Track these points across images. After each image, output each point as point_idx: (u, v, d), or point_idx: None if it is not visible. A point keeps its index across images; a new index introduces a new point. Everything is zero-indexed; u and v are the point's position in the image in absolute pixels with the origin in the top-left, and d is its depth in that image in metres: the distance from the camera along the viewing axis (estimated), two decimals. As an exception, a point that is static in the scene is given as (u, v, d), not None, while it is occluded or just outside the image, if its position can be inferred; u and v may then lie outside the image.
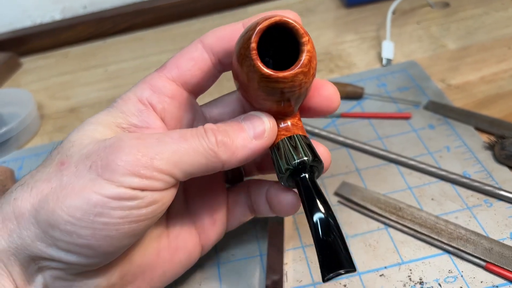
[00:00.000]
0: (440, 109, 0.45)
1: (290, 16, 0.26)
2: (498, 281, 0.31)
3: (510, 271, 0.31)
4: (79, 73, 0.63)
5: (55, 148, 0.27)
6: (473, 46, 0.53)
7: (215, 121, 0.30)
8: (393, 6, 0.56)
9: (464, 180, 0.37)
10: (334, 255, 0.24)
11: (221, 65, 0.29)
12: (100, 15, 0.70)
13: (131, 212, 0.24)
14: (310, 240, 0.36)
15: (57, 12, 0.69)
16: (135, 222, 0.24)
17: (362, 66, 0.53)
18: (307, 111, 0.29)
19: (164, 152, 0.24)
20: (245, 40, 0.24)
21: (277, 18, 0.24)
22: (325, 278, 0.24)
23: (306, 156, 0.26)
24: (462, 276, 0.32)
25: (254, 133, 0.26)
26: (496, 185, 0.37)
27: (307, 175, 0.27)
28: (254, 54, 0.24)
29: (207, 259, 0.35)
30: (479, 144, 0.41)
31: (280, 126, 0.28)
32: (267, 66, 0.25)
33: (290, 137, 0.27)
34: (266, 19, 0.24)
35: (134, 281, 0.29)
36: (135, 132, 0.27)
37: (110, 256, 0.25)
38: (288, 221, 0.37)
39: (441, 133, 0.42)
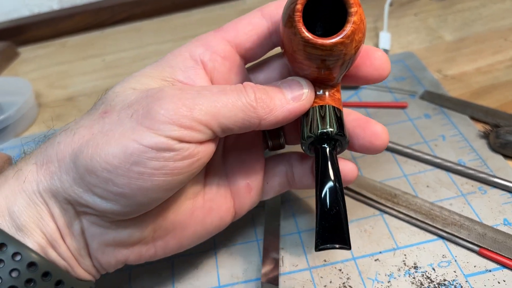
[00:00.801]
0: (436, 99, 0.45)
1: None
2: (491, 265, 0.32)
3: (503, 255, 0.32)
4: (77, 62, 0.63)
5: (100, 98, 0.27)
6: (470, 38, 0.53)
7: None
8: (390, -3, 0.56)
9: (459, 167, 0.38)
10: (333, 228, 0.25)
11: (277, 35, 0.29)
12: (99, 5, 0.69)
13: (166, 163, 0.24)
14: (306, 226, 0.36)
15: (55, 1, 0.69)
16: (170, 175, 0.24)
17: (359, 56, 0.53)
18: (355, 79, 0.29)
19: (203, 103, 0.24)
20: (292, 1, 0.24)
21: None
22: (318, 248, 0.25)
23: (331, 127, 0.26)
24: (455, 260, 0.32)
25: (292, 95, 0.26)
26: (491, 173, 0.37)
27: (327, 147, 0.27)
28: (298, 15, 0.24)
29: (204, 243, 0.35)
30: (474, 133, 0.41)
31: (316, 93, 0.27)
32: (316, 32, 0.24)
33: (321, 106, 0.27)
34: None
35: (165, 236, 0.29)
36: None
37: (144, 207, 0.26)
38: (284, 207, 0.38)
39: (437, 122, 0.43)
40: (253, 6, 0.66)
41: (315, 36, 0.24)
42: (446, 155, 0.40)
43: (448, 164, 0.38)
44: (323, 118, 0.27)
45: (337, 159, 0.27)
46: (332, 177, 0.26)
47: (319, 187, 0.26)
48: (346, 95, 0.48)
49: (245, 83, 0.27)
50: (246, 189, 0.32)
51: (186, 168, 0.25)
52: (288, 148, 0.34)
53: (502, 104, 0.44)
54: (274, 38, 0.29)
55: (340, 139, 0.27)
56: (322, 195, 0.26)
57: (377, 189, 0.37)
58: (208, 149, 0.26)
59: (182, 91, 0.25)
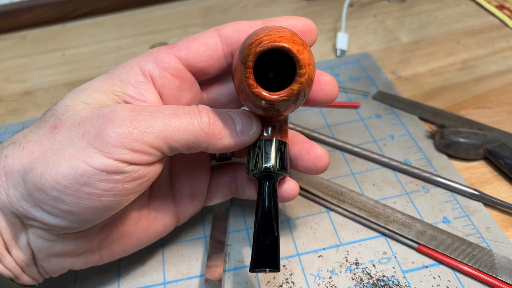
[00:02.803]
0: (388, 99, 0.46)
1: (306, 24, 0.28)
2: (428, 261, 0.33)
3: (439, 252, 0.33)
4: (36, 56, 0.62)
5: (49, 109, 0.27)
6: (425, 40, 0.55)
7: (212, 101, 0.31)
8: (349, -2, 0.57)
9: (405, 167, 0.39)
10: (266, 255, 0.27)
11: (231, 57, 0.29)
12: (61, -2, 0.68)
13: (116, 185, 0.24)
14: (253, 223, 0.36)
15: (15, -7, 0.68)
16: (119, 196, 0.25)
17: (317, 56, 0.54)
18: (304, 103, 0.30)
19: (155, 126, 0.25)
20: (245, 55, 0.24)
21: (279, 45, 0.24)
22: (252, 270, 0.27)
23: (274, 163, 0.28)
24: (395, 257, 0.33)
25: (241, 128, 0.28)
26: (434, 172, 0.39)
27: (267, 182, 0.29)
28: (249, 72, 0.24)
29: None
30: (422, 133, 0.42)
31: (264, 126, 0.29)
32: (268, 63, 0.26)
33: (268, 140, 0.29)
34: (270, 42, 0.24)
35: (110, 245, 0.30)
36: (130, 104, 0.27)
37: (90, 223, 0.26)
38: (234, 204, 0.38)
39: (387, 122, 0.44)
40: (218, 3, 0.66)
41: (263, 90, 0.25)
42: (393, 154, 0.41)
43: (395, 163, 0.39)
44: (267, 153, 0.28)
45: (275, 189, 0.29)
46: (271, 209, 0.28)
47: (258, 216, 0.28)
48: (301, 94, 0.48)
49: (200, 106, 0.27)
50: (190, 198, 0.33)
51: (135, 188, 0.26)
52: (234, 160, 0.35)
53: (450, 105, 0.45)
54: (229, 59, 0.29)
55: (281, 173, 0.29)
56: (259, 225, 0.28)
57: (324, 186, 0.38)
58: (157, 169, 0.27)
59: (134, 112, 0.25)
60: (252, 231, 0.36)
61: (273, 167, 0.28)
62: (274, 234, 0.27)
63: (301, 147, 0.30)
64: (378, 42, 0.55)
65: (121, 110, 0.25)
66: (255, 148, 0.29)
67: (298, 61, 0.24)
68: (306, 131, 0.43)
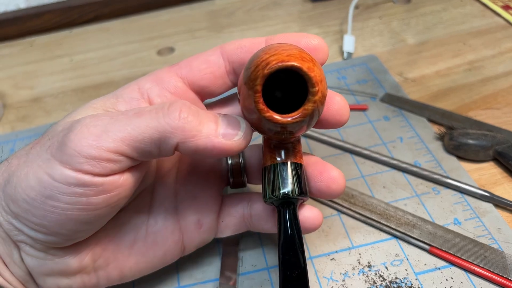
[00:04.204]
0: (396, 101, 0.46)
1: (315, 42, 0.26)
2: (440, 263, 0.33)
3: (451, 254, 0.33)
4: (44, 62, 0.62)
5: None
6: (431, 41, 0.55)
7: None
8: (355, 0, 0.57)
9: (414, 169, 0.39)
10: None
11: (235, 75, 0.28)
12: (67, 4, 0.69)
13: (79, 199, 0.23)
14: (266, 227, 0.37)
15: (22, 0, 0.68)
16: (84, 210, 0.23)
17: (324, 59, 0.54)
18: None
19: (112, 129, 0.23)
20: (252, 78, 0.23)
21: (289, 64, 0.22)
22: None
23: (292, 189, 0.26)
24: (407, 259, 0.34)
25: (224, 131, 0.24)
26: (444, 174, 0.39)
27: (287, 209, 0.27)
28: (258, 96, 0.23)
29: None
30: (431, 135, 0.43)
31: (277, 149, 0.27)
32: (276, 82, 0.24)
33: (283, 163, 0.27)
34: (278, 62, 0.22)
35: (106, 266, 0.28)
36: None
37: (67, 237, 0.25)
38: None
39: (396, 124, 0.44)
40: (222, 7, 0.67)
41: (275, 113, 0.23)
42: (403, 156, 0.41)
43: (404, 165, 0.40)
44: (284, 178, 0.26)
45: (297, 217, 0.27)
46: (294, 237, 0.26)
47: (281, 247, 0.26)
48: (309, 97, 0.48)
49: (176, 100, 0.25)
50: (196, 225, 0.30)
51: (102, 203, 0.24)
52: (250, 187, 0.34)
53: (458, 106, 0.45)
54: (232, 77, 0.28)
55: (301, 198, 0.27)
56: (284, 257, 0.26)
57: (335, 190, 0.38)
58: (129, 180, 0.24)
59: (95, 118, 0.24)
60: (264, 236, 0.36)
61: (292, 192, 0.26)
62: (300, 265, 0.25)
63: (314, 168, 0.28)
64: (384, 44, 0.56)
65: (86, 118, 0.24)
66: (270, 173, 0.27)
67: (310, 79, 0.22)
68: (315, 134, 0.43)
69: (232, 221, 0.32)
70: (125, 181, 0.24)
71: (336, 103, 0.27)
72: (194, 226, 0.30)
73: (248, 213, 0.31)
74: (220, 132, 0.24)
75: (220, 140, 0.24)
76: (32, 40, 0.67)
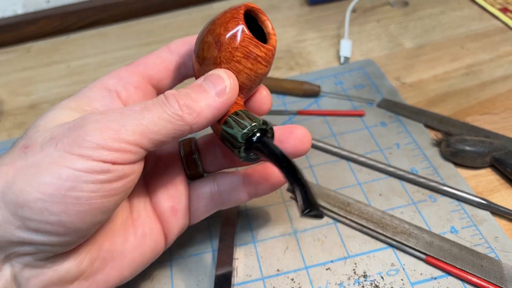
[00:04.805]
0: (393, 106, 0.46)
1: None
2: (437, 273, 0.33)
3: (448, 263, 0.33)
4: (41, 68, 0.62)
5: (21, 136, 0.27)
6: (429, 45, 0.55)
7: None
8: (352, 5, 0.57)
9: (411, 176, 0.39)
10: (310, 194, 0.25)
11: (185, 67, 0.31)
12: (64, 9, 0.69)
13: (103, 186, 0.24)
14: (262, 236, 0.37)
15: (19, 5, 0.68)
16: (106, 197, 0.25)
17: (321, 64, 0.54)
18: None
19: (129, 124, 0.25)
20: (227, 18, 0.27)
21: (252, 5, 0.28)
22: (305, 212, 0.25)
23: (256, 121, 0.27)
24: (403, 268, 0.33)
25: (216, 91, 0.27)
26: (441, 181, 0.39)
27: (263, 137, 0.27)
28: (242, 21, 0.27)
29: (160, 255, 0.35)
30: (428, 141, 0.42)
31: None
32: None
33: (235, 112, 0.28)
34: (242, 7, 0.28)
35: (103, 268, 0.29)
36: None
37: (81, 234, 0.25)
38: (241, 216, 0.38)
39: (392, 130, 0.44)
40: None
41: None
42: (399, 163, 0.41)
43: (401, 172, 0.39)
44: (243, 118, 0.27)
45: (273, 142, 0.28)
46: (287, 157, 0.26)
47: (283, 167, 0.26)
48: (306, 103, 0.48)
49: (166, 92, 0.27)
50: (172, 211, 0.32)
51: (122, 188, 0.25)
52: None
53: (456, 111, 0.45)
54: (183, 70, 0.32)
55: (266, 128, 0.28)
56: (290, 170, 0.26)
57: (331, 197, 0.38)
58: (141, 166, 0.27)
59: (104, 114, 0.25)
60: (259, 245, 0.36)
61: (257, 124, 0.27)
62: (302, 173, 0.26)
63: (281, 132, 0.31)
64: (382, 48, 0.55)
65: (91, 116, 0.25)
66: (229, 123, 0.27)
67: (266, 20, 0.29)
68: (313, 142, 0.43)
69: (201, 203, 0.33)
70: (138, 167, 0.26)
71: (260, 92, 0.31)
72: (170, 212, 0.32)
73: (216, 191, 0.33)
74: (213, 94, 0.27)
75: (219, 101, 0.27)
76: (29, 46, 0.67)
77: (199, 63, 0.29)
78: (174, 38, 0.63)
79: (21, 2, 0.68)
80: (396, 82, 0.50)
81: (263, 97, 0.31)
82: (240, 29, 0.27)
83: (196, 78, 0.29)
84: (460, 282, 0.32)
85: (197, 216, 0.33)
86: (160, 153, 0.33)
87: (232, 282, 0.33)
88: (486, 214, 0.36)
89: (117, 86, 0.29)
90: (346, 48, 0.53)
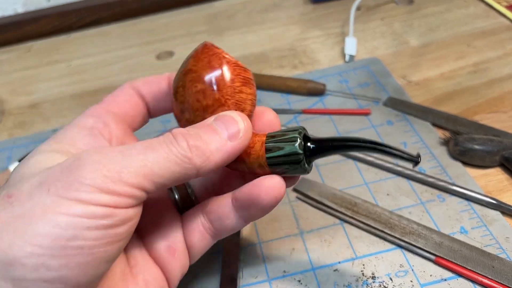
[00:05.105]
0: (399, 105, 0.45)
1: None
2: (447, 274, 0.32)
3: (458, 264, 0.32)
4: (42, 67, 0.61)
5: (1, 186, 0.24)
6: (434, 43, 0.54)
7: None
8: (356, 2, 0.56)
9: (419, 175, 0.38)
10: (401, 150, 0.25)
11: (151, 107, 0.30)
12: (65, 8, 0.68)
13: (107, 231, 0.22)
14: (267, 237, 0.36)
15: (19, 4, 0.67)
16: (110, 244, 0.22)
17: (325, 62, 0.54)
18: None
19: (131, 165, 0.22)
20: (203, 58, 0.26)
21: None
22: (419, 160, 0.24)
23: (295, 129, 0.25)
24: (412, 270, 0.33)
25: (228, 134, 0.25)
26: (449, 180, 0.38)
27: (312, 138, 0.26)
28: (222, 54, 0.26)
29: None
30: (435, 140, 0.42)
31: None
32: None
33: (267, 137, 0.26)
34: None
35: None
36: None
37: None
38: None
39: (399, 129, 0.43)
40: (222, 10, 0.66)
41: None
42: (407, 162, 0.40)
43: (409, 172, 0.39)
44: (280, 135, 0.25)
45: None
46: (355, 137, 0.26)
47: (364, 144, 0.25)
48: (310, 102, 0.48)
49: (174, 130, 0.24)
50: (169, 252, 0.28)
51: (125, 233, 0.23)
52: None
53: (463, 110, 0.44)
54: (150, 109, 0.30)
55: (303, 130, 0.26)
56: (374, 142, 0.25)
57: (337, 197, 0.37)
58: (141, 209, 0.24)
59: (103, 154, 0.23)
60: (265, 246, 0.35)
61: (300, 130, 0.25)
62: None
63: (254, 118, 0.29)
64: (387, 46, 0.55)
65: (87, 155, 0.22)
66: (272, 149, 0.25)
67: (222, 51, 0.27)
68: (317, 140, 0.42)
69: (196, 237, 0.29)
70: (139, 210, 0.24)
71: (267, 115, 0.29)
72: (167, 253, 0.28)
73: (206, 220, 0.29)
74: (224, 137, 0.25)
75: (231, 145, 0.25)
76: (30, 45, 0.66)
77: (199, 116, 0.26)
78: (176, 37, 0.63)
79: (21, 1, 0.67)
80: (402, 80, 0.49)
81: (272, 120, 0.29)
82: (226, 61, 0.26)
83: (184, 104, 0.27)
84: (471, 283, 0.31)
85: (194, 253, 0.29)
86: None
87: (238, 284, 0.33)
88: (496, 214, 0.35)
89: (97, 124, 0.27)
90: (351, 46, 0.53)
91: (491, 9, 0.58)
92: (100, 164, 0.22)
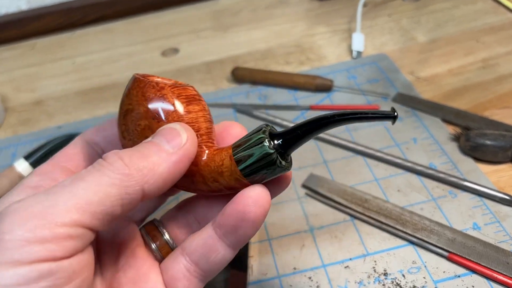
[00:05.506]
0: (408, 101, 0.45)
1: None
2: (460, 270, 0.32)
3: (472, 260, 0.31)
4: (46, 65, 0.61)
5: None
6: (442, 39, 0.53)
7: None
8: (363, -2, 0.56)
9: (430, 171, 0.38)
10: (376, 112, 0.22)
11: (103, 152, 0.27)
12: (69, 6, 0.68)
13: None
14: (277, 233, 0.35)
15: (23, 1, 0.67)
16: None
17: (332, 58, 0.53)
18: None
19: (59, 201, 0.19)
20: (137, 94, 0.24)
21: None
22: (395, 114, 0.21)
23: (257, 130, 0.23)
24: (425, 266, 0.32)
25: (170, 144, 0.22)
26: (461, 176, 0.37)
27: (279, 132, 0.23)
28: (154, 82, 0.24)
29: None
30: (445, 136, 0.41)
31: (213, 147, 0.25)
32: None
33: (232, 148, 0.23)
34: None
35: None
36: None
37: None
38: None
39: (409, 125, 0.43)
40: (227, 7, 0.65)
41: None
42: (417, 158, 0.39)
43: (419, 168, 0.38)
44: (245, 141, 0.23)
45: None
46: (324, 115, 0.22)
47: (333, 118, 0.22)
48: (318, 98, 0.47)
49: (105, 154, 0.21)
50: None
51: None
52: None
53: (473, 106, 0.44)
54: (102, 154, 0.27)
55: (266, 127, 0.23)
56: (344, 113, 0.22)
57: (347, 194, 0.37)
58: (91, 257, 0.21)
59: (24, 201, 0.19)
60: (274, 243, 0.35)
61: (264, 127, 0.23)
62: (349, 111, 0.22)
63: (218, 132, 0.26)
64: (395, 42, 0.54)
65: (5, 209, 0.19)
66: (242, 157, 0.23)
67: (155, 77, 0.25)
68: (325, 136, 0.42)
69: (180, 284, 0.25)
70: (89, 258, 0.20)
71: (234, 128, 0.26)
72: None
73: (189, 262, 0.25)
74: (166, 148, 0.22)
75: (177, 154, 0.22)
76: (34, 43, 0.66)
77: None
78: (181, 33, 0.62)
79: (25, -2, 0.67)
80: (411, 76, 0.48)
81: (240, 133, 0.26)
82: (160, 87, 0.24)
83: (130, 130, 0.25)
84: (485, 280, 0.31)
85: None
86: (116, 243, 0.27)
87: (247, 281, 0.32)
88: (509, 210, 0.35)
89: (42, 182, 0.24)
90: (358, 42, 0.52)
91: (499, 5, 0.57)
92: (20, 212, 0.19)
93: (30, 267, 0.18)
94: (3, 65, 0.62)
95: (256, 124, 0.45)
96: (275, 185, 0.24)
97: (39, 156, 0.43)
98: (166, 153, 0.21)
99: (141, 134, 0.24)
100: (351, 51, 0.53)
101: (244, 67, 0.51)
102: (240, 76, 0.50)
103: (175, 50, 0.59)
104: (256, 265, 0.34)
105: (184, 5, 0.68)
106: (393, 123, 0.22)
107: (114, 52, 0.61)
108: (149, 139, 0.23)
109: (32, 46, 0.65)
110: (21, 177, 0.42)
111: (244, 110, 0.46)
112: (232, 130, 0.26)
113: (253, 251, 0.34)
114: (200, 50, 0.58)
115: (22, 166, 0.42)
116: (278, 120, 0.44)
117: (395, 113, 0.21)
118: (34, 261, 0.18)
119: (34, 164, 0.42)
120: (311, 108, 0.46)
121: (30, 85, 0.58)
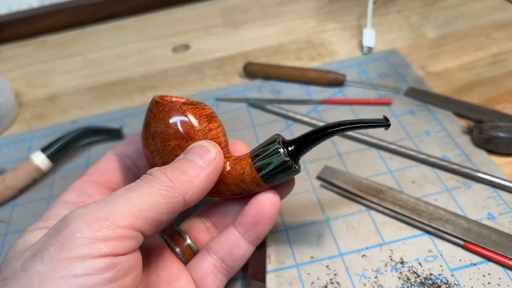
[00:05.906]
0: (420, 95, 0.45)
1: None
2: (476, 259, 0.32)
3: (487, 249, 0.32)
4: (58, 61, 0.62)
5: None
6: (452, 35, 0.54)
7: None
8: (374, -5, 0.56)
9: (444, 163, 0.38)
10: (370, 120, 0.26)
11: (135, 167, 0.31)
12: (80, 3, 0.68)
13: (113, 286, 0.21)
14: (293, 223, 0.36)
15: (34, -1, 0.68)
16: None
17: (343, 54, 0.54)
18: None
19: (117, 208, 0.22)
20: (163, 117, 0.28)
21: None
22: (388, 122, 0.26)
23: (271, 139, 0.27)
24: (441, 255, 0.33)
25: (202, 160, 0.26)
26: (474, 168, 0.38)
27: (288, 140, 0.28)
28: (177, 104, 0.28)
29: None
30: (458, 129, 0.41)
31: (232, 157, 0.29)
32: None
33: (251, 157, 0.28)
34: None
35: None
36: None
37: None
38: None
39: (421, 118, 0.43)
40: (238, 4, 0.66)
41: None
42: (430, 151, 0.40)
43: (433, 159, 0.39)
44: (262, 150, 0.27)
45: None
46: (326, 126, 0.27)
47: (337, 127, 0.27)
48: (330, 92, 0.48)
49: (149, 170, 0.25)
50: None
51: (132, 284, 0.22)
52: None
53: (485, 100, 0.44)
54: (134, 169, 0.31)
55: (278, 137, 0.28)
56: (346, 123, 0.26)
57: (363, 185, 0.37)
58: (140, 257, 0.24)
59: (86, 207, 0.23)
60: (291, 232, 0.35)
61: (277, 137, 0.28)
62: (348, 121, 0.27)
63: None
64: (405, 38, 0.55)
65: (71, 213, 0.22)
66: (261, 165, 0.27)
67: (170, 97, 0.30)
68: (339, 129, 0.42)
69: (209, 280, 0.29)
70: (140, 257, 0.24)
71: (239, 147, 0.31)
72: None
73: (216, 259, 0.29)
74: (199, 163, 0.26)
75: (209, 167, 0.26)
76: (45, 40, 0.67)
77: None
78: (191, 30, 0.63)
79: (36, -5, 0.68)
80: (422, 71, 0.49)
81: (245, 149, 0.31)
82: (184, 109, 0.27)
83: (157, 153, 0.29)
84: (501, 268, 0.31)
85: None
86: (146, 250, 0.29)
87: (266, 269, 0.33)
88: (523, 200, 0.35)
89: (79, 198, 0.28)
90: (369, 37, 0.53)
91: (508, 2, 0.58)
92: (86, 216, 0.22)
93: (97, 260, 0.21)
94: (15, 62, 0.63)
95: (269, 118, 0.46)
96: (285, 187, 0.29)
97: (55, 149, 0.43)
98: (200, 168, 0.26)
99: (172, 152, 0.28)
100: (361, 47, 0.54)
101: (256, 62, 0.51)
102: (253, 71, 0.50)
103: (186, 47, 0.59)
104: (273, 254, 0.34)
105: (194, 3, 0.69)
106: (386, 129, 0.26)
107: (125, 48, 0.62)
108: (182, 156, 0.27)
109: (44, 43, 0.66)
110: (38, 169, 0.42)
111: (257, 104, 0.47)
112: (238, 146, 0.31)
113: (270, 241, 0.35)
114: (211, 46, 0.58)
115: (39, 158, 0.42)
116: (291, 114, 0.45)
117: (388, 122, 0.26)
118: (100, 255, 0.21)
119: (51, 157, 0.43)
120: (324, 102, 0.46)
121: (43, 80, 0.58)
